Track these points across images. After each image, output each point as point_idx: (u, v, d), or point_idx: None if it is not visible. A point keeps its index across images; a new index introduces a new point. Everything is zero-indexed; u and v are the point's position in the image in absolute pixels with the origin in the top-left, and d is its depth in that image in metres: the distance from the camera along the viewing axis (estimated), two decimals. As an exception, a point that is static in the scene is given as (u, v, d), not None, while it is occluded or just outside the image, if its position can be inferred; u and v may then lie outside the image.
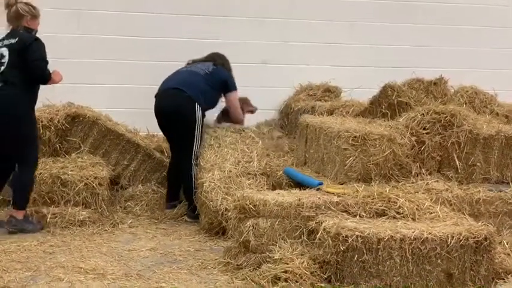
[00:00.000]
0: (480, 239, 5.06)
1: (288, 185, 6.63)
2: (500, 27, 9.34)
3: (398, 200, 5.50)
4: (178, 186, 7.26)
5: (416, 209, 5.46)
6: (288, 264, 5.05)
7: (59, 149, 7.33)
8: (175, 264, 5.67)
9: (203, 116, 7.16)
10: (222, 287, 5.18)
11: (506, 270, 5.29)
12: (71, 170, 6.94)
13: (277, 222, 5.39)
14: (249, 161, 6.99)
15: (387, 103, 6.91)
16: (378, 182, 6.06)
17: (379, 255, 4.94)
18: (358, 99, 7.86)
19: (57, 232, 6.51)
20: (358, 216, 5.34)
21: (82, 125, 7.39)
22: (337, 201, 5.45)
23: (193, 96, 7.10)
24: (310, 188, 5.90)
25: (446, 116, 6.47)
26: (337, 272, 4.97)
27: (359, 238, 4.92)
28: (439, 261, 5.01)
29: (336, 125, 6.45)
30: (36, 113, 6.72)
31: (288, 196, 5.54)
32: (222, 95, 7.52)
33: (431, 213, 5.49)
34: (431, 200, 5.80)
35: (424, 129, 6.45)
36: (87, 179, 6.88)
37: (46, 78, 6.43)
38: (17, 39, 6.42)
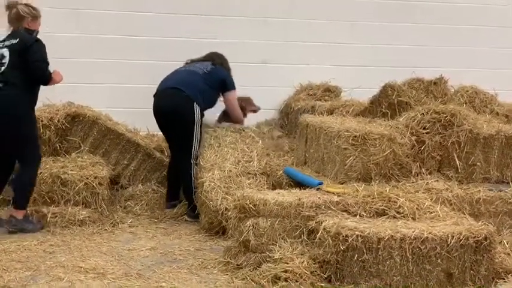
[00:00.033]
0: (480, 238, 5.06)
1: (288, 184, 6.63)
2: (499, 27, 9.35)
3: (398, 199, 5.50)
4: (178, 185, 7.26)
5: (417, 208, 5.47)
6: (288, 263, 5.05)
7: (59, 148, 7.33)
8: (175, 264, 5.68)
9: (202, 115, 7.16)
10: (222, 287, 5.18)
11: (506, 270, 5.29)
12: (71, 170, 6.94)
13: (277, 222, 5.38)
14: (249, 160, 6.99)
15: (387, 103, 6.91)
16: (378, 181, 6.05)
17: (379, 254, 4.94)
18: (358, 99, 7.85)
19: (57, 231, 6.51)
20: (358, 216, 5.34)
21: (82, 124, 7.39)
22: (337, 201, 5.45)
23: (192, 95, 7.10)
24: (310, 188, 5.90)
25: (447, 116, 6.47)
26: (337, 271, 4.97)
27: (359, 238, 4.92)
28: (439, 260, 5.01)
29: (336, 125, 6.45)
30: (36, 113, 6.72)
31: (288, 196, 5.54)
32: (221, 94, 7.52)
33: (432, 212, 5.49)
34: (431, 199, 5.80)
35: (424, 128, 6.45)
36: (87, 178, 6.88)
37: (47, 79, 6.44)
38: (17, 40, 6.42)
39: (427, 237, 4.99)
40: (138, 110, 7.87)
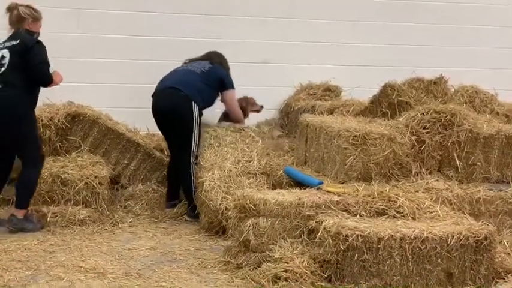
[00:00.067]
0: (480, 238, 5.06)
1: (288, 184, 6.63)
2: (500, 27, 9.35)
3: (398, 199, 5.50)
4: (178, 185, 7.26)
5: (417, 208, 5.47)
6: (288, 263, 5.05)
7: (59, 148, 7.33)
8: (175, 264, 5.67)
9: (200, 114, 7.16)
10: (222, 286, 5.18)
11: (507, 270, 5.29)
12: (71, 169, 6.94)
13: (277, 222, 5.38)
14: (249, 160, 6.99)
15: (387, 102, 6.91)
16: (378, 181, 6.06)
17: (379, 254, 4.94)
18: (358, 99, 7.86)
19: (57, 231, 6.51)
20: (358, 216, 5.34)
21: (82, 124, 7.39)
22: (337, 201, 5.45)
23: (190, 95, 7.09)
24: (311, 187, 5.90)
25: (447, 116, 6.46)
26: (337, 271, 4.97)
27: (359, 237, 4.92)
28: (439, 260, 5.01)
29: (336, 124, 6.45)
30: (37, 112, 6.72)
31: (288, 195, 5.54)
32: (220, 93, 7.51)
33: (432, 212, 5.49)
34: (431, 199, 5.80)
35: (424, 128, 6.44)
36: (87, 178, 6.88)
37: (47, 81, 6.43)
38: (18, 41, 6.41)
39: (427, 237, 4.99)
40: (138, 110, 7.86)
